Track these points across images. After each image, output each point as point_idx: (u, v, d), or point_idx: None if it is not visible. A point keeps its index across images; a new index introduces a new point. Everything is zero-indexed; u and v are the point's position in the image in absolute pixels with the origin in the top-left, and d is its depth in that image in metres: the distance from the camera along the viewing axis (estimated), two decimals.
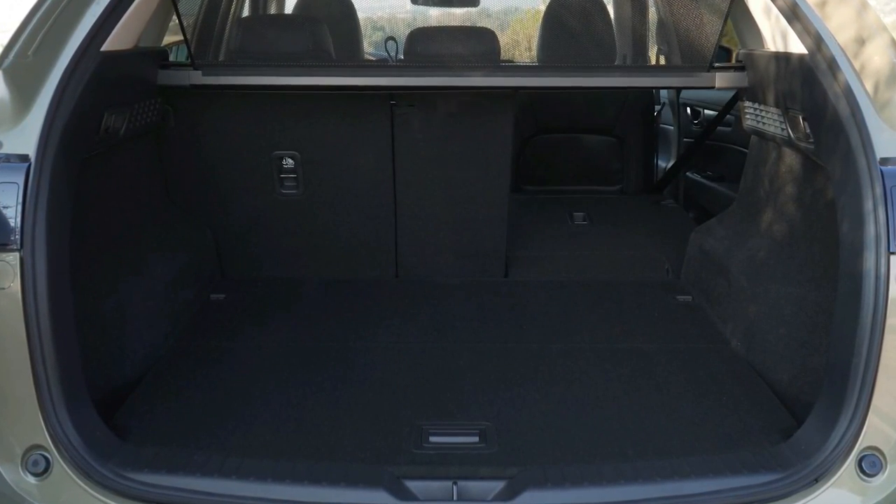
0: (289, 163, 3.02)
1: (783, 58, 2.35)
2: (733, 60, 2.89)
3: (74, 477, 1.79)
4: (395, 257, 3.23)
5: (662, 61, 3.69)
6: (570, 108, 4.31)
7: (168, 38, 2.99)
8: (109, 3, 2.11)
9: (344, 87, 2.82)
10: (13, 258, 1.78)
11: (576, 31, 2.98)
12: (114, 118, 2.34)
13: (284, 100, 2.94)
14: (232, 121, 2.97)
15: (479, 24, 4.22)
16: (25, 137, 1.86)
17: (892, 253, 1.79)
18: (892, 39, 2.13)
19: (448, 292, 3.07)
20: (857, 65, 2.01)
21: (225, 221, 3.12)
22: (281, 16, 4.32)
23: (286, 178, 3.05)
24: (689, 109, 4.57)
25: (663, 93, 4.55)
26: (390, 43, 3.79)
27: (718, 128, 3.79)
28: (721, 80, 2.73)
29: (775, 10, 2.29)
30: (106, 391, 2.20)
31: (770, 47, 2.48)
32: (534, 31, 3.70)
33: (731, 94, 3.30)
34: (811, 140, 2.22)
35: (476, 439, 2.05)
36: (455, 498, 1.84)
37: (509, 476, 1.88)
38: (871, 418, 1.80)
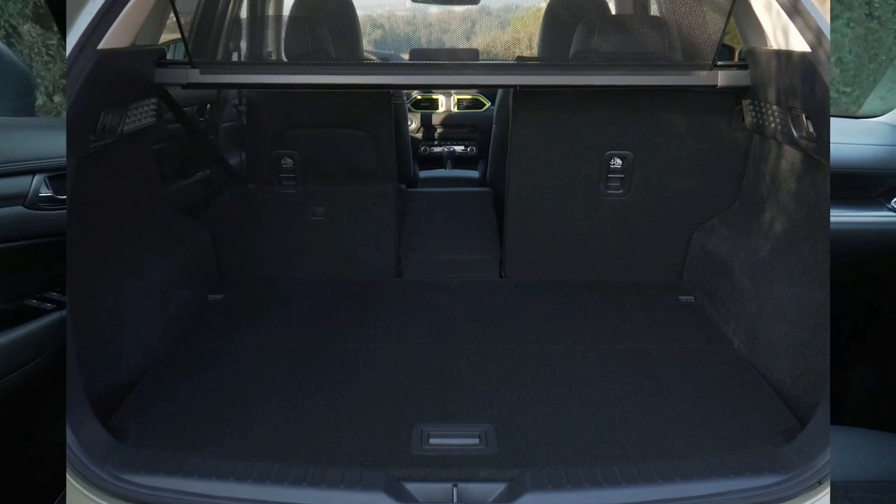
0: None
1: (785, 54, 2.33)
2: (736, 58, 2.86)
3: (71, 479, 1.77)
4: (395, 257, 3.21)
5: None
6: None
7: (166, 36, 2.97)
8: (106, 1, 2.10)
9: (343, 86, 2.80)
10: None
11: (576, 29, 2.96)
12: (110, 117, 2.32)
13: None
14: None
15: (479, 23, 4.20)
16: None
17: None
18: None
19: (448, 293, 3.05)
20: None
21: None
22: (280, 15, 4.31)
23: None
24: None
25: None
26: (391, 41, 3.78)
27: None
28: (723, 78, 2.70)
29: (776, 6, 2.27)
30: (103, 392, 2.18)
31: (772, 44, 2.46)
32: (534, 28, 3.67)
33: None
34: (814, 138, 2.20)
35: (476, 441, 2.03)
36: (455, 500, 1.83)
37: (510, 478, 1.86)
38: None
